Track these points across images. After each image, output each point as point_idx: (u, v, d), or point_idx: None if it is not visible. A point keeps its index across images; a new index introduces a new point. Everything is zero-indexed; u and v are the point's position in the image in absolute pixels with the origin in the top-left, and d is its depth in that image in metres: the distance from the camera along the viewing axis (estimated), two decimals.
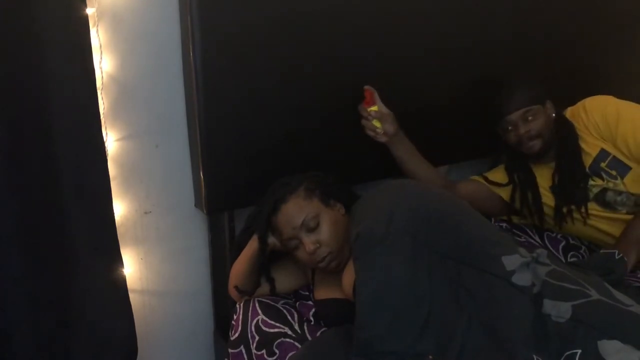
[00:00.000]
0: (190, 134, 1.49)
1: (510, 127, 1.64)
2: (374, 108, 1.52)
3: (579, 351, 1.00)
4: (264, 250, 1.35)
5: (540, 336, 1.05)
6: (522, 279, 1.11)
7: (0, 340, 1.33)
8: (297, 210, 1.31)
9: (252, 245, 1.38)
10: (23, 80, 1.23)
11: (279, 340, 1.33)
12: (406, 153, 1.59)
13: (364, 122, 1.54)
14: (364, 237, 1.19)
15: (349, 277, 1.26)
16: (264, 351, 1.33)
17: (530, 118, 1.61)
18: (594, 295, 1.09)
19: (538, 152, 1.64)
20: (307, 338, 1.34)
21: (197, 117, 1.40)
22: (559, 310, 1.06)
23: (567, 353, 1.01)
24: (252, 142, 1.48)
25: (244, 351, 1.36)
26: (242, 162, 1.48)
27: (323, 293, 1.40)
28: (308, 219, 1.30)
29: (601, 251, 1.50)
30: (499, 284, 1.12)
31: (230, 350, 1.39)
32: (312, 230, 1.30)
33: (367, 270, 1.16)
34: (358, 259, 1.18)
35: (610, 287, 1.15)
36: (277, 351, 1.31)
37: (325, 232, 1.30)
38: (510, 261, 1.14)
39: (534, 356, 1.02)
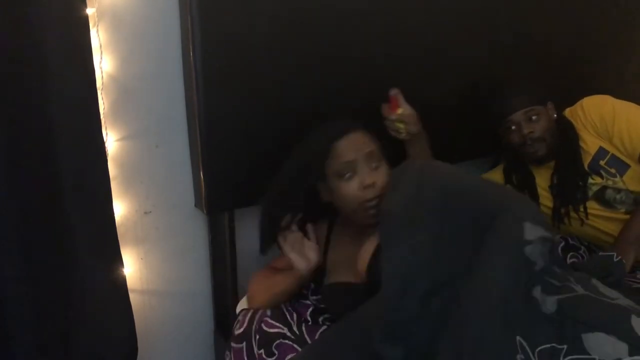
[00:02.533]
0: (190, 134, 1.49)
1: (513, 127, 1.63)
2: (399, 111, 1.48)
3: (565, 347, 0.98)
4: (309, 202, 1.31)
5: (527, 320, 1.02)
6: (533, 253, 1.07)
7: (0, 340, 1.33)
8: (366, 140, 1.30)
9: (289, 278, 1.37)
10: (23, 80, 1.23)
11: (278, 341, 1.32)
12: (422, 151, 1.56)
13: (387, 122, 1.50)
14: (392, 213, 1.14)
15: (365, 255, 1.23)
16: (262, 350, 1.33)
17: (534, 118, 1.61)
18: (580, 290, 1.07)
19: (541, 157, 1.64)
20: (305, 340, 1.33)
21: (197, 117, 1.40)
22: (544, 302, 1.04)
23: (550, 345, 0.99)
24: (252, 142, 1.48)
25: (244, 348, 1.36)
26: (242, 162, 1.48)
27: (334, 277, 1.36)
28: (373, 154, 1.28)
29: (600, 254, 1.49)
30: (507, 251, 1.07)
31: (232, 345, 1.38)
32: (372, 168, 1.28)
33: (395, 247, 1.11)
34: (386, 235, 1.13)
35: (597, 282, 1.13)
36: (276, 352, 1.31)
37: (382, 176, 1.28)
38: (532, 231, 1.08)
39: (518, 338, 1.00)
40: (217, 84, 1.39)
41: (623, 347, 0.94)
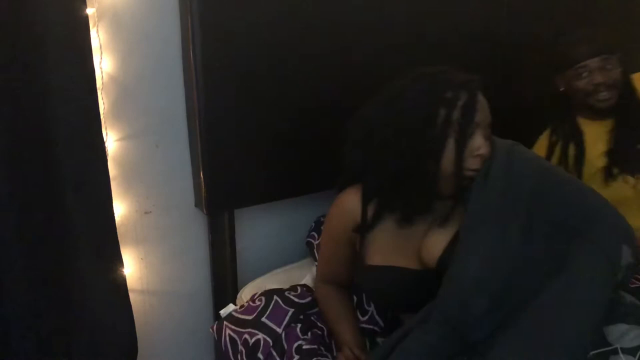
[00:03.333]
0: (190, 134, 1.49)
1: (585, 74, 1.56)
2: None
3: None
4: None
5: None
6: (624, 279, 1.06)
7: (0, 340, 1.33)
8: (488, 109, 1.16)
9: (335, 334, 1.32)
10: (24, 81, 1.23)
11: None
12: None
13: None
14: (478, 206, 1.08)
15: (438, 244, 1.15)
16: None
17: (609, 67, 1.55)
18: None
19: (609, 108, 1.58)
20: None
21: (197, 117, 1.40)
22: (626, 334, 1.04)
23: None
24: (252, 142, 1.48)
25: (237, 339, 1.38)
26: (242, 162, 1.48)
27: (379, 259, 1.22)
28: (490, 127, 1.16)
29: None
30: (602, 270, 1.04)
31: (226, 323, 1.40)
32: (487, 139, 1.17)
33: (478, 245, 1.06)
34: (469, 229, 1.07)
35: None
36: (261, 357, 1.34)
37: (489, 151, 1.14)
38: (626, 255, 1.06)
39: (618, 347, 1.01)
40: (217, 84, 1.39)
41: None
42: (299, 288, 1.53)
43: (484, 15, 1.77)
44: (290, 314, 1.42)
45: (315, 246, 1.69)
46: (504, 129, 1.22)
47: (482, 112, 1.12)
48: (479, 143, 1.11)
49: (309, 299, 1.48)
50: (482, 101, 1.13)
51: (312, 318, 1.44)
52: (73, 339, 1.41)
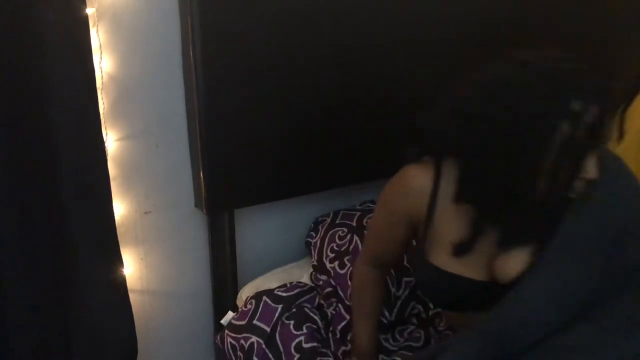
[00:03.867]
0: (190, 134, 1.49)
1: None
2: None
3: None
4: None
5: None
6: None
7: (0, 340, 1.33)
8: None
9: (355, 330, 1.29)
10: (23, 80, 1.23)
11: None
12: None
13: None
14: (568, 236, 0.97)
15: (516, 261, 1.02)
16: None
17: None
18: None
19: None
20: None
21: (197, 117, 1.40)
22: None
23: None
24: (252, 142, 1.48)
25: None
26: (242, 162, 1.48)
27: (445, 261, 1.09)
28: None
29: None
30: None
31: (227, 332, 1.39)
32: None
33: (554, 277, 0.97)
34: (551, 259, 0.98)
35: None
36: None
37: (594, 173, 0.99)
38: None
39: None
40: (217, 84, 1.39)
41: None
42: (288, 284, 1.55)
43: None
44: (279, 310, 1.44)
45: (312, 244, 1.69)
46: None
47: (609, 131, 0.96)
48: (591, 166, 0.95)
49: (297, 290, 1.49)
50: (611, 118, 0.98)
51: (305, 309, 1.45)
52: (73, 339, 1.41)
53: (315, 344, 1.39)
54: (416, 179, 1.09)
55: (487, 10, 1.73)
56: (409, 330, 1.49)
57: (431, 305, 1.51)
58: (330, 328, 1.49)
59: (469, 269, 1.07)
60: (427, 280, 1.15)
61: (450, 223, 1.07)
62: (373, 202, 1.77)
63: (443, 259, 1.08)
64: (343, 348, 1.42)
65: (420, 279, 1.20)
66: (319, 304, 1.54)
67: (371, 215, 1.45)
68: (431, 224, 1.09)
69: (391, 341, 1.46)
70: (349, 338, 1.41)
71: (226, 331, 1.52)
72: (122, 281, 1.44)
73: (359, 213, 1.69)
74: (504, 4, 1.75)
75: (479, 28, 1.74)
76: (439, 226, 1.08)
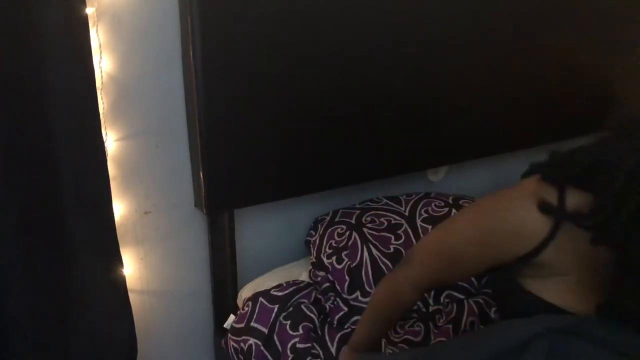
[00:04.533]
0: (190, 134, 1.49)
1: None
2: None
3: None
4: None
5: None
6: None
7: (0, 340, 1.33)
8: None
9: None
10: (23, 80, 1.22)
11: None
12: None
13: None
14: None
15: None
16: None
17: None
18: None
19: None
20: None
21: (197, 117, 1.40)
22: None
23: None
24: (252, 142, 1.48)
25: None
26: (242, 162, 1.48)
27: (554, 295, 0.93)
28: None
29: None
30: None
31: (230, 336, 1.38)
32: None
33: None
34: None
35: None
36: None
37: None
38: None
39: None
40: (217, 84, 1.39)
41: None
42: (284, 283, 1.55)
43: None
44: (275, 311, 1.44)
45: (311, 243, 1.69)
46: None
47: None
48: None
49: (292, 288, 1.49)
50: None
51: (302, 306, 1.45)
52: (72, 339, 1.41)
53: (309, 345, 1.40)
54: (530, 219, 0.91)
55: (489, 11, 1.74)
56: (408, 324, 1.49)
57: (431, 302, 1.51)
58: (328, 319, 1.49)
59: (573, 297, 0.92)
60: (518, 306, 0.98)
61: (566, 257, 0.90)
62: (372, 200, 1.77)
63: (553, 294, 0.93)
64: (340, 333, 1.42)
65: (510, 305, 1.02)
66: (316, 299, 1.54)
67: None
68: (537, 254, 0.92)
69: (392, 332, 1.46)
70: (346, 327, 1.41)
71: (229, 335, 1.53)
72: (122, 281, 1.44)
73: (358, 211, 1.70)
74: (506, 5, 1.76)
75: (480, 28, 1.74)
76: (549, 258, 0.91)
